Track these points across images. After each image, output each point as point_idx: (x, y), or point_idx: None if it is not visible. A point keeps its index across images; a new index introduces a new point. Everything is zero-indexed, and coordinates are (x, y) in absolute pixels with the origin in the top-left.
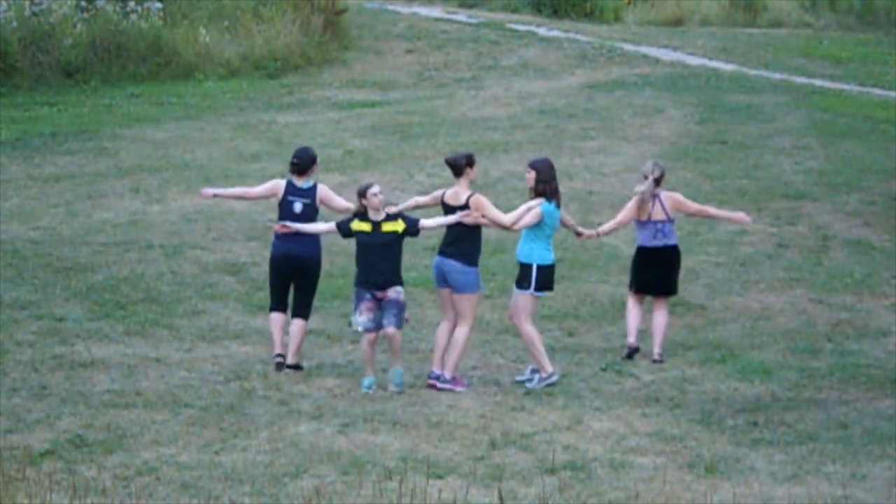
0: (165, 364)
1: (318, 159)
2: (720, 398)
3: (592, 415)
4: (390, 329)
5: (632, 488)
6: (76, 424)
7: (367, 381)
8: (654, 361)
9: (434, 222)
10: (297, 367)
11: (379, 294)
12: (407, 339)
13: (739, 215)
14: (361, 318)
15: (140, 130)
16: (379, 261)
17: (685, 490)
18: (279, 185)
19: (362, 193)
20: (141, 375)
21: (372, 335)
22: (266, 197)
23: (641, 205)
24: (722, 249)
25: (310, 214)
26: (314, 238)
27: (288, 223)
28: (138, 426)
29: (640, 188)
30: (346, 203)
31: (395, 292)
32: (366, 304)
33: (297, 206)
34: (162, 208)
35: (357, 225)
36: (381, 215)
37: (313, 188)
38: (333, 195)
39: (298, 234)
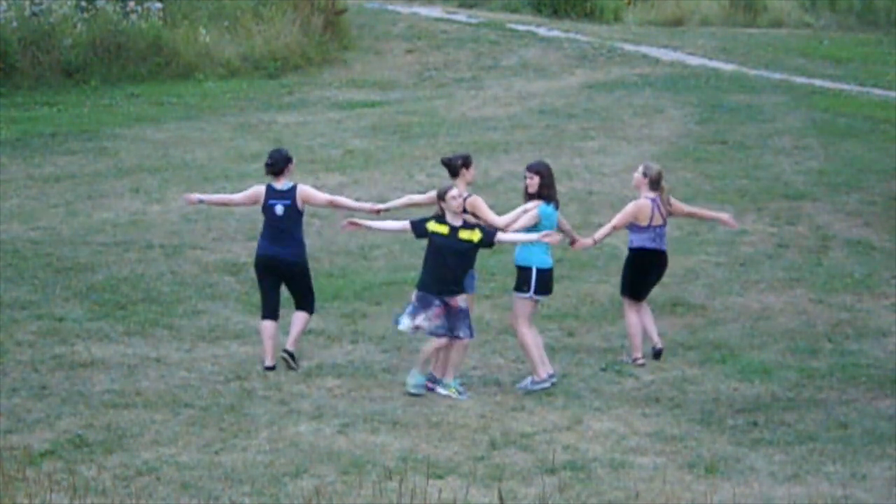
0: (165, 364)
1: (294, 159)
2: (720, 398)
3: (592, 415)
4: (467, 340)
5: (632, 488)
6: (76, 424)
7: (418, 380)
8: (656, 352)
9: (511, 237)
10: (291, 356)
11: (450, 301)
12: (407, 339)
13: (725, 217)
14: (428, 324)
15: (140, 130)
16: (452, 267)
17: (685, 490)
18: (259, 191)
19: (442, 196)
20: (141, 375)
21: (444, 340)
22: (248, 204)
23: (664, 211)
24: (722, 249)
25: (293, 216)
26: (299, 241)
27: (357, 220)
28: (138, 426)
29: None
30: (329, 196)
31: (463, 301)
32: (436, 311)
33: (279, 209)
34: (162, 208)
35: (434, 226)
36: (459, 221)
37: (292, 189)
38: (314, 192)
39: (284, 237)
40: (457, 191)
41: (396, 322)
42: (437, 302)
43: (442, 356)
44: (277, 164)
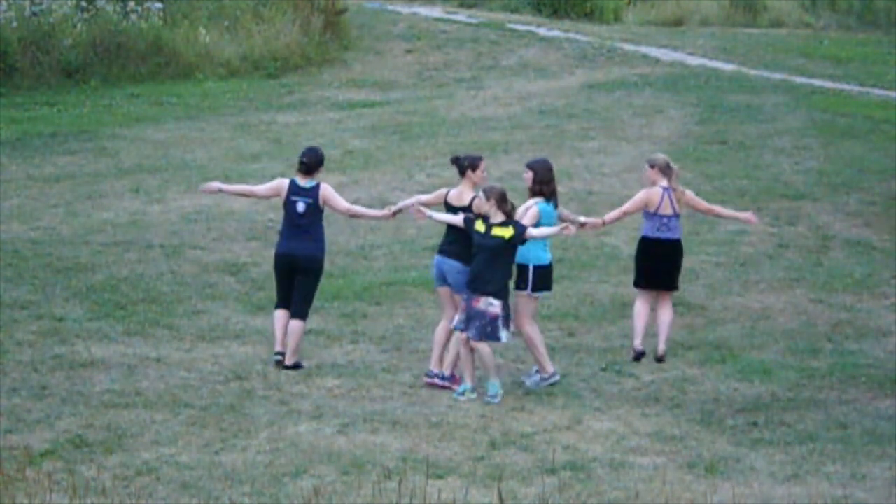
0: (165, 364)
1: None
2: (720, 398)
3: (592, 415)
4: (472, 342)
5: (632, 488)
6: (76, 424)
7: (462, 387)
8: (657, 359)
9: (539, 232)
10: (296, 366)
11: (473, 300)
12: (407, 339)
13: (746, 215)
14: (457, 317)
15: (140, 130)
16: (482, 264)
17: (685, 490)
18: (283, 184)
19: (504, 197)
20: (141, 375)
21: (463, 336)
22: (270, 196)
23: (676, 201)
24: (722, 249)
25: (313, 214)
26: (319, 237)
27: (425, 210)
28: (138, 426)
29: (678, 187)
30: (349, 205)
31: (485, 303)
32: (462, 305)
33: (301, 206)
34: (162, 208)
35: (475, 224)
36: (499, 219)
37: (316, 187)
38: (336, 196)
39: (304, 234)
40: (482, 193)
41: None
42: (465, 296)
43: (450, 354)
44: (312, 162)
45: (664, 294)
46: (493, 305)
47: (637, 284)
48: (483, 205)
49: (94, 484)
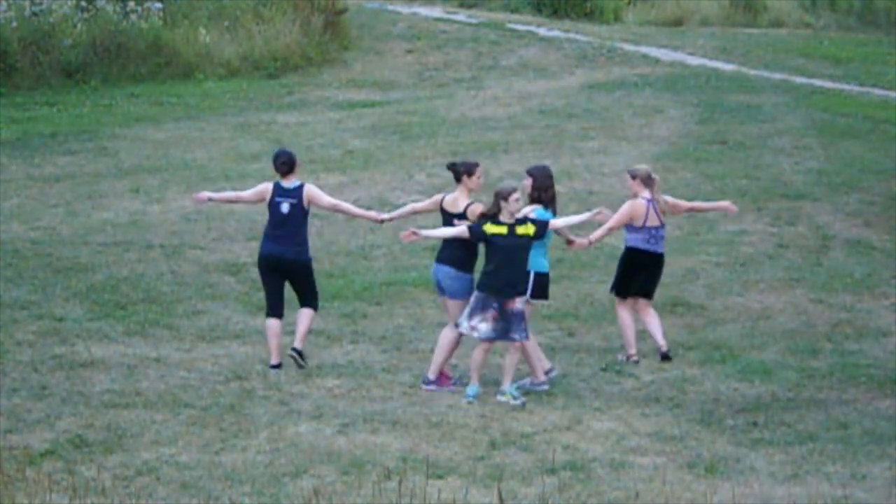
0: (165, 364)
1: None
2: (720, 398)
3: (592, 415)
4: (519, 343)
5: (632, 488)
6: (76, 424)
7: (472, 390)
8: (664, 356)
9: (564, 221)
10: (300, 354)
11: (507, 303)
12: (407, 339)
13: (725, 204)
14: (484, 326)
15: (140, 130)
16: (511, 266)
17: (685, 490)
18: (267, 188)
19: (504, 197)
20: (141, 375)
21: (488, 344)
22: (256, 201)
23: (660, 211)
24: (722, 249)
25: (298, 215)
26: (302, 239)
27: (417, 230)
28: (138, 426)
29: (663, 197)
30: (334, 201)
31: (521, 302)
32: (492, 313)
33: (285, 207)
34: (162, 208)
35: (491, 228)
36: (513, 219)
37: (300, 188)
38: (321, 193)
39: (287, 236)
40: (518, 193)
41: (457, 325)
42: (495, 304)
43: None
44: (291, 162)
45: (643, 301)
46: (522, 303)
47: (619, 294)
48: (512, 204)
49: (94, 484)
